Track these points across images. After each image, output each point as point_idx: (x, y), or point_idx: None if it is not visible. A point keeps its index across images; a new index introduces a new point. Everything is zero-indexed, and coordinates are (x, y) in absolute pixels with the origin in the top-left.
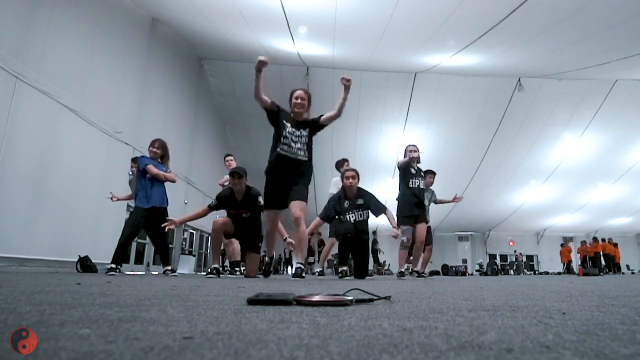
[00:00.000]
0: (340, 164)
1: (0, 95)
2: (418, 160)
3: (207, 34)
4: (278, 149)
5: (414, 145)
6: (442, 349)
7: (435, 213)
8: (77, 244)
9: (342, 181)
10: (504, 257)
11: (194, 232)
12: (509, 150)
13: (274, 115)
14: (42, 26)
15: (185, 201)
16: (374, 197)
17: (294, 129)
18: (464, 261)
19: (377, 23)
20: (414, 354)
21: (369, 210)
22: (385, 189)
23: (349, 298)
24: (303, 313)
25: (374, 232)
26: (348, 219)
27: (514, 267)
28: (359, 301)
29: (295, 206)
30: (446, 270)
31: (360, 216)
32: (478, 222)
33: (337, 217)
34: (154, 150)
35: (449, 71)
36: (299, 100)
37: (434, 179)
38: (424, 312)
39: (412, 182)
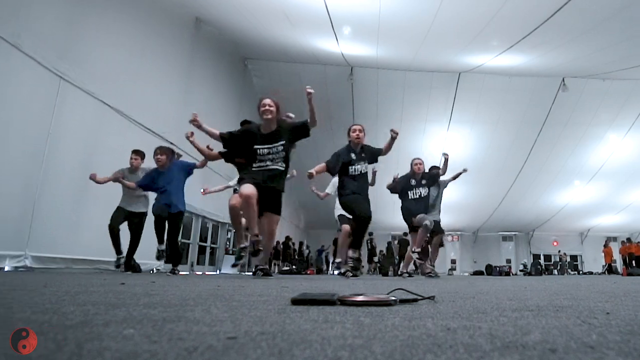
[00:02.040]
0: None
1: (44, 95)
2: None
3: (251, 33)
4: (253, 168)
5: (418, 159)
6: (486, 349)
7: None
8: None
9: (349, 136)
10: (547, 257)
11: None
12: (553, 150)
13: (238, 137)
14: (86, 26)
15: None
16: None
17: (268, 148)
18: (508, 261)
19: (421, 23)
20: (457, 354)
21: (372, 157)
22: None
23: (393, 298)
24: (347, 313)
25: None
26: (354, 170)
27: (558, 267)
28: (403, 301)
29: (273, 222)
30: (490, 270)
31: (365, 168)
32: (522, 222)
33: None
34: (159, 157)
35: (493, 71)
36: (266, 108)
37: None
38: (467, 312)
39: (413, 193)
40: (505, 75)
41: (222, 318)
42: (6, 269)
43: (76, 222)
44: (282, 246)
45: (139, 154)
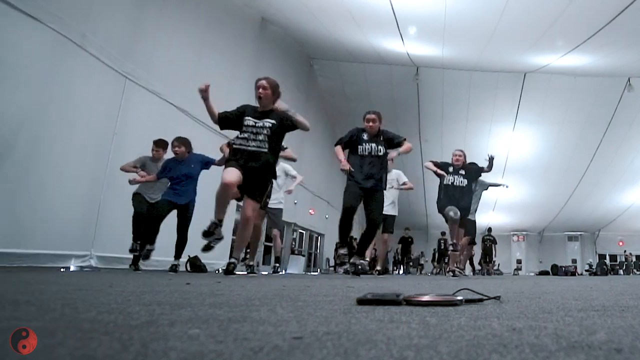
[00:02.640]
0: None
1: (110, 95)
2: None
3: (316, 34)
4: (237, 145)
5: (459, 150)
6: (551, 349)
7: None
8: (187, 243)
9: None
10: (613, 257)
11: (304, 232)
12: (619, 151)
13: (232, 120)
14: (151, 26)
15: (295, 201)
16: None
17: (255, 121)
18: (574, 261)
19: (486, 23)
20: (523, 354)
21: (388, 143)
22: (495, 189)
23: (459, 298)
24: (412, 313)
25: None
26: (364, 150)
27: (624, 267)
28: (469, 301)
29: (249, 206)
30: (556, 270)
31: (379, 151)
32: (587, 222)
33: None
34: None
35: (559, 71)
36: (260, 90)
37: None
38: (533, 312)
39: (448, 179)
40: (571, 75)
41: (287, 318)
42: (72, 268)
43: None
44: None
45: (160, 145)
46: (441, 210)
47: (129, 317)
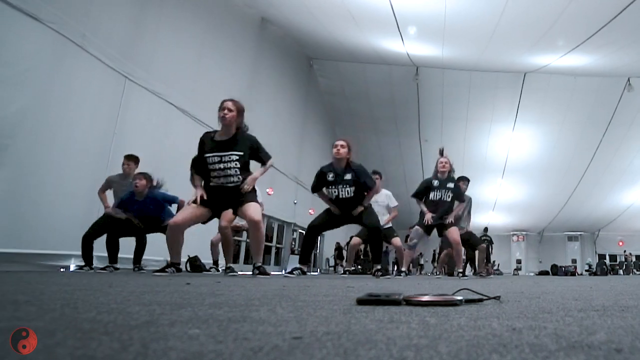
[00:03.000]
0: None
1: (110, 95)
2: (449, 172)
3: (316, 34)
4: (210, 183)
5: (444, 158)
6: (551, 349)
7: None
8: (186, 243)
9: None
10: (613, 257)
11: (304, 232)
12: (619, 150)
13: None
14: (152, 26)
15: (295, 201)
16: (366, 171)
17: (219, 154)
18: (574, 261)
19: (486, 23)
20: (523, 354)
21: (358, 183)
22: (495, 189)
23: (459, 298)
24: (412, 313)
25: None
26: (331, 193)
27: (624, 267)
28: (469, 301)
29: (252, 208)
30: (555, 270)
31: (347, 193)
32: (587, 222)
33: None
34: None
35: (558, 71)
36: (224, 112)
37: (467, 185)
38: (533, 312)
39: (434, 195)
40: (571, 75)
41: (287, 318)
42: (71, 268)
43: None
44: (347, 246)
45: (131, 159)
46: (420, 224)
47: (128, 317)
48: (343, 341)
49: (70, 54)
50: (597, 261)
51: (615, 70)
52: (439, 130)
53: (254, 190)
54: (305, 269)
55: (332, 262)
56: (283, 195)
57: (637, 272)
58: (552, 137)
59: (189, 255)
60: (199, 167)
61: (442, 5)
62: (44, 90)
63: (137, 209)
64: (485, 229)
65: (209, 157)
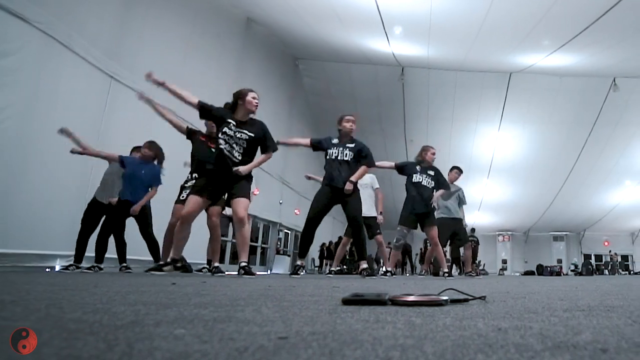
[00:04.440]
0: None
1: (96, 95)
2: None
3: (302, 33)
4: (221, 150)
5: (433, 149)
6: (537, 349)
7: (530, 213)
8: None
9: (341, 124)
10: (598, 257)
11: (289, 232)
12: (604, 150)
13: (215, 117)
14: (137, 26)
15: (280, 201)
16: (369, 149)
17: (237, 129)
18: (559, 261)
19: (472, 23)
20: (509, 354)
21: (355, 155)
22: (480, 189)
23: (444, 298)
24: (398, 313)
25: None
26: (332, 154)
27: (609, 267)
28: (454, 301)
29: (240, 204)
30: (541, 270)
31: (345, 156)
32: (573, 222)
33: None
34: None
35: (544, 71)
36: (257, 101)
37: (459, 175)
38: (518, 312)
39: (416, 177)
40: (556, 75)
41: (273, 318)
42: (57, 268)
43: (127, 221)
44: (334, 246)
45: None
46: (403, 221)
47: (114, 317)
48: (329, 341)
49: (56, 53)
50: (583, 261)
51: (601, 70)
52: (424, 130)
53: (249, 181)
54: (303, 264)
55: (317, 262)
56: (268, 195)
57: (623, 272)
58: (537, 137)
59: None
60: (206, 111)
61: (427, 5)
62: (30, 90)
63: (133, 169)
64: (473, 230)
65: (230, 127)
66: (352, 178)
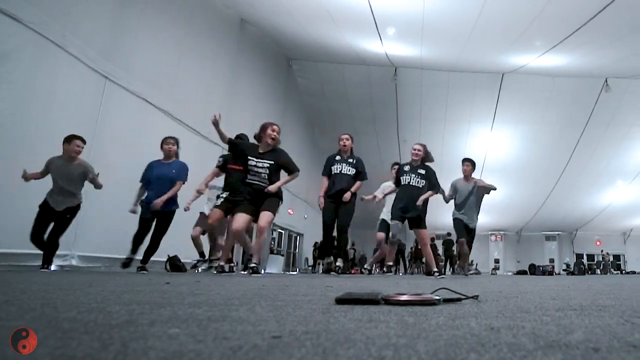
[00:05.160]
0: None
1: (90, 95)
2: (423, 159)
3: (295, 34)
4: (247, 179)
5: (419, 144)
6: (529, 348)
7: (522, 213)
8: (166, 243)
9: (338, 143)
10: (590, 257)
11: (283, 231)
12: (596, 151)
13: (239, 152)
14: (132, 27)
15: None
16: (364, 165)
17: (258, 160)
18: (551, 260)
19: (465, 23)
20: (501, 353)
21: (356, 170)
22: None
23: (437, 297)
24: (391, 312)
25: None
26: (337, 169)
27: (601, 267)
28: (447, 300)
29: (263, 216)
30: (533, 269)
31: (349, 170)
32: (565, 222)
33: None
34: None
35: (536, 72)
36: (275, 134)
37: (472, 168)
38: (511, 311)
39: (404, 179)
40: (549, 76)
41: (266, 317)
42: (52, 268)
43: (121, 222)
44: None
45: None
46: (394, 217)
47: (108, 317)
48: (322, 340)
49: (51, 54)
50: (575, 261)
51: (593, 70)
52: (417, 130)
53: (278, 197)
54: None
55: (310, 262)
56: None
57: (615, 272)
58: (530, 138)
59: (168, 255)
60: (237, 151)
61: (420, 6)
62: (25, 90)
63: (159, 172)
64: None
65: (251, 159)
66: (352, 189)
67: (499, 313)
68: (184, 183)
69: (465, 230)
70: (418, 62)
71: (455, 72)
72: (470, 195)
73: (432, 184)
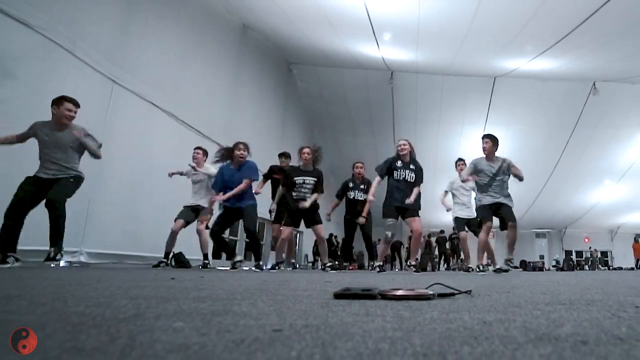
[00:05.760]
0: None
1: (98, 98)
2: (410, 154)
3: (295, 39)
4: (294, 195)
5: (405, 140)
6: (520, 341)
7: (514, 211)
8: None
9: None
10: (579, 253)
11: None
12: (585, 151)
13: (288, 177)
14: (138, 32)
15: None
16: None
17: (303, 178)
18: (541, 257)
19: (458, 29)
20: (493, 345)
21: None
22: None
23: (431, 292)
24: (387, 307)
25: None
26: (399, 175)
27: (589, 263)
28: (441, 295)
29: (318, 229)
30: (524, 265)
31: (411, 178)
32: (555, 220)
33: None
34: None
35: (527, 76)
36: (305, 155)
37: (492, 143)
38: (503, 305)
39: (397, 174)
40: (539, 79)
41: (267, 311)
42: (62, 264)
43: (128, 219)
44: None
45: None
46: (385, 214)
47: (116, 311)
48: (321, 334)
49: (60, 58)
50: (564, 257)
51: (581, 74)
52: (412, 132)
53: (317, 209)
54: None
55: (310, 258)
56: (263, 194)
57: (602, 268)
58: (521, 139)
59: (173, 252)
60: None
61: (415, 12)
62: (36, 94)
63: (234, 177)
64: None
65: (297, 178)
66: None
67: (491, 307)
68: (253, 181)
69: (500, 210)
70: (413, 67)
71: (449, 76)
72: (497, 176)
73: (419, 179)
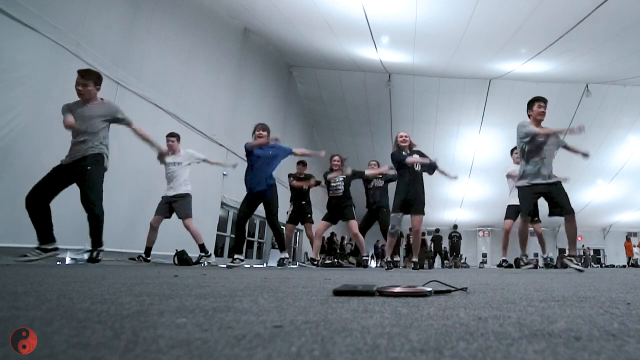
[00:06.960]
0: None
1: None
2: (410, 145)
3: (295, 42)
4: (329, 194)
5: (404, 132)
6: (514, 336)
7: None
8: (175, 239)
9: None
10: None
11: (284, 227)
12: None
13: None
14: (142, 36)
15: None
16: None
17: (334, 179)
18: (535, 255)
19: (454, 32)
20: (488, 341)
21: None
22: (462, 187)
23: (428, 289)
24: (385, 303)
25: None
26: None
27: (582, 261)
28: (438, 292)
29: (352, 225)
30: (518, 263)
31: (417, 166)
32: (548, 218)
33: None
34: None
35: (522, 78)
36: (335, 162)
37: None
38: (498, 302)
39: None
40: (533, 81)
41: (268, 308)
42: (67, 261)
43: (132, 219)
44: (327, 241)
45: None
46: (394, 209)
47: (120, 307)
48: (321, 330)
49: (66, 61)
50: (558, 255)
51: (575, 76)
52: (409, 132)
53: (351, 206)
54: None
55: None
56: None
57: (595, 265)
58: (515, 140)
59: (176, 250)
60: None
61: (412, 17)
62: (43, 96)
63: (263, 154)
64: (455, 226)
65: (332, 180)
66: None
67: (487, 304)
68: (291, 153)
69: (548, 194)
70: (410, 69)
71: (445, 78)
72: (548, 146)
73: (426, 156)
